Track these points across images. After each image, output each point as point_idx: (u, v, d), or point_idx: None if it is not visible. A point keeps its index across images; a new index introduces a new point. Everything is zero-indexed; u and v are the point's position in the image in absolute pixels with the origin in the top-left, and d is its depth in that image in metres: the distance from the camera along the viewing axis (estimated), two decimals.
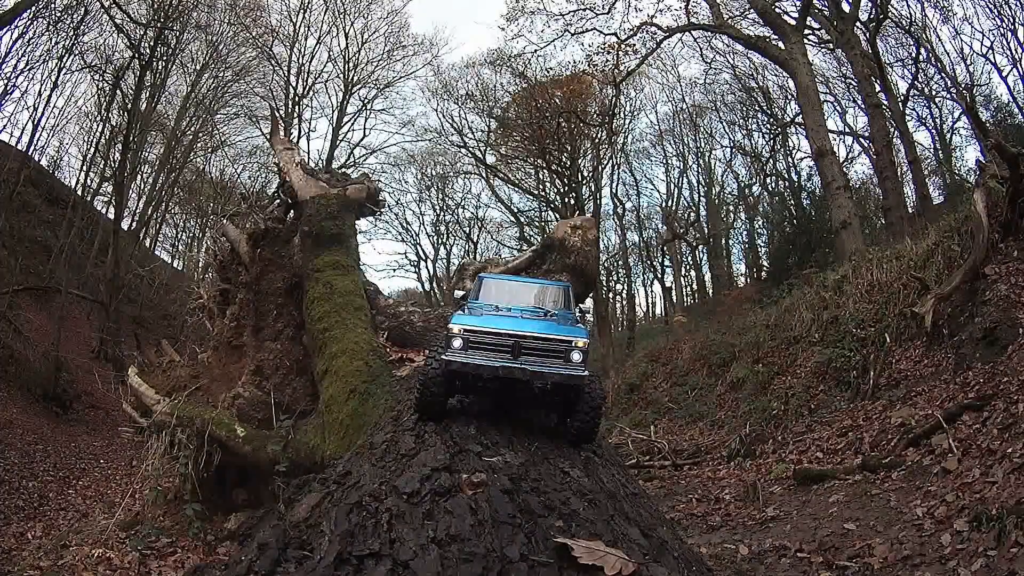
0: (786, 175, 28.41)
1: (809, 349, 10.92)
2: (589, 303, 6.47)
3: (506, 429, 4.11)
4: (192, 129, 26.38)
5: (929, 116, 24.60)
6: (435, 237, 34.46)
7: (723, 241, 33.51)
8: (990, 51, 21.38)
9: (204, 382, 7.93)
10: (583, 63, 22.31)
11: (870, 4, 17.64)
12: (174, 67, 24.11)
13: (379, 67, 30.12)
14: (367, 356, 6.09)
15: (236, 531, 6.10)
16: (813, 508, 6.23)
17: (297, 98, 29.13)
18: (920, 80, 21.87)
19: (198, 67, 25.61)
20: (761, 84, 26.55)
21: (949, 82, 21.92)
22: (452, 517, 2.78)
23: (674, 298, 32.81)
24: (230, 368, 7.79)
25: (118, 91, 20.28)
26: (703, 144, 32.48)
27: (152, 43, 19.48)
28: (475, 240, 33.53)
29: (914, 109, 23.24)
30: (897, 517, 5.21)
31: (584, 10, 20.68)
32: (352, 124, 30.79)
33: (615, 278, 33.23)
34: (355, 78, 29.86)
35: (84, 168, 23.90)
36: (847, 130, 26.60)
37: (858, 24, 17.70)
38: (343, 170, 14.72)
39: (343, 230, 7.74)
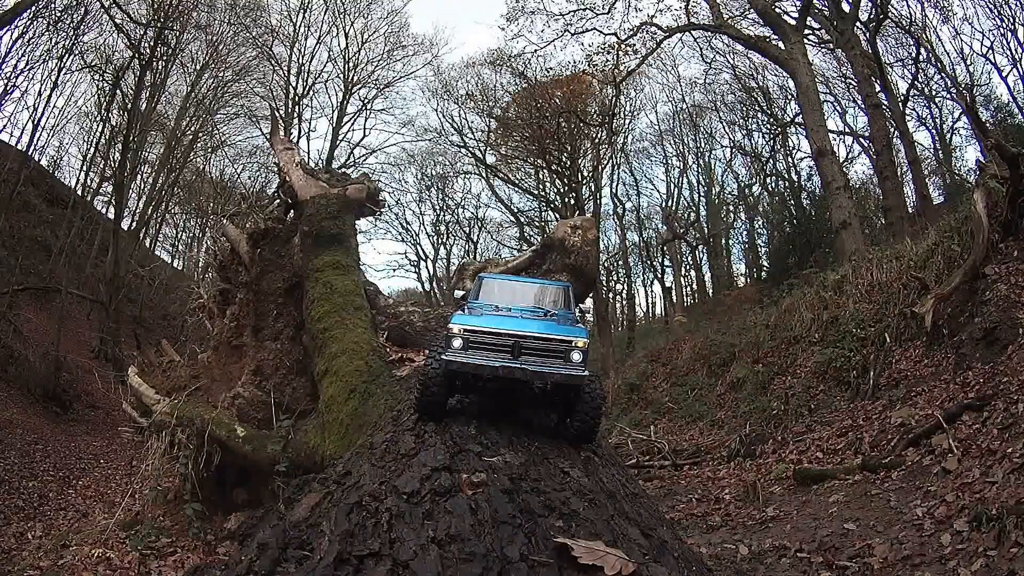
0: (786, 175, 28.43)
1: (809, 349, 10.92)
2: (589, 303, 6.46)
3: (506, 429, 4.10)
4: (192, 129, 26.38)
5: (929, 116, 24.65)
6: (435, 237, 34.54)
7: (723, 241, 33.56)
8: (990, 51, 21.42)
9: (204, 382, 7.92)
10: (583, 63, 22.31)
11: (870, 4, 17.63)
12: (174, 67, 24.12)
13: (379, 67, 30.18)
14: (367, 356, 6.08)
15: (236, 531, 6.10)
16: (813, 508, 6.23)
17: (297, 98, 29.14)
18: (920, 80, 21.89)
19: (198, 67, 25.61)
20: (761, 84, 26.59)
21: (949, 82, 21.92)
22: (452, 517, 2.78)
23: (674, 298, 32.79)
24: (230, 368, 7.78)
25: (118, 91, 20.27)
26: (703, 144, 32.56)
27: (152, 43, 19.47)
28: (475, 240, 33.60)
29: (914, 109, 23.27)
30: (897, 517, 5.21)
31: (584, 10, 20.69)
32: (352, 124, 30.84)
33: (615, 278, 33.31)
34: (355, 78, 29.90)
35: (84, 168, 23.94)
36: (847, 130, 26.63)
37: (858, 24, 17.69)
38: (343, 170, 14.73)
39: (343, 230, 7.74)
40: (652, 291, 37.77)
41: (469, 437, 3.83)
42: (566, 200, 26.58)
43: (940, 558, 4.30)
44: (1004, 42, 20.54)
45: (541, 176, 28.84)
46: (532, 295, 5.16)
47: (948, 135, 25.07)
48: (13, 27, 16.84)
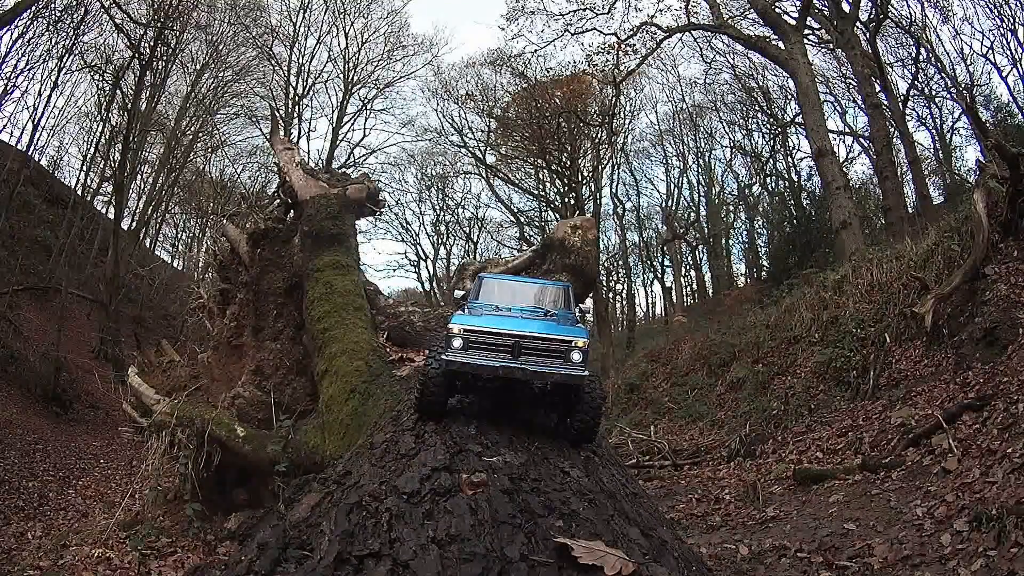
0: (786, 175, 28.46)
1: (809, 349, 10.92)
2: (589, 303, 6.46)
3: (506, 429, 4.10)
4: (192, 129, 26.40)
5: (929, 116, 24.65)
6: (435, 237, 34.57)
7: (723, 241, 33.55)
8: (990, 51, 21.42)
9: (204, 382, 7.93)
10: (583, 63, 22.36)
11: (870, 4, 17.64)
12: (174, 67, 24.14)
13: (379, 67, 30.22)
14: (367, 356, 6.08)
15: (236, 531, 6.09)
16: (813, 508, 6.23)
17: (297, 98, 29.15)
18: (920, 80, 21.89)
19: (198, 67, 25.63)
20: (761, 84, 26.61)
21: (949, 82, 21.93)
22: (452, 517, 2.78)
23: (674, 298, 32.83)
24: (230, 368, 7.78)
25: (118, 91, 20.28)
26: (703, 144, 32.59)
27: (152, 43, 19.48)
28: (475, 240, 33.61)
29: (914, 109, 23.27)
30: (897, 517, 5.21)
31: (584, 10, 20.72)
32: (352, 124, 30.87)
33: (615, 278, 33.30)
34: (355, 78, 29.93)
35: (84, 168, 23.97)
36: (847, 130, 26.64)
37: (858, 24, 17.70)
38: (343, 170, 14.72)
39: (343, 230, 7.74)
40: (652, 291, 37.86)
41: (469, 437, 3.82)
42: (566, 200, 26.58)
43: (940, 558, 4.30)
44: (1004, 42, 20.57)
45: (541, 176, 28.86)
46: (532, 295, 5.16)
47: (948, 135, 25.11)
48: (13, 27, 16.87)
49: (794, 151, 27.85)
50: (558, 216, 25.76)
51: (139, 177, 25.03)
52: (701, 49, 23.11)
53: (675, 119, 31.53)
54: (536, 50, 22.42)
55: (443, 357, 4.03)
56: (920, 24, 20.35)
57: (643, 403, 14.82)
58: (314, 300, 6.90)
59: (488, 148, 29.18)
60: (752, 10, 18.92)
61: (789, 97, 24.93)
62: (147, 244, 28.61)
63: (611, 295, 33.31)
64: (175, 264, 31.27)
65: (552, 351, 4.11)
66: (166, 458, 6.38)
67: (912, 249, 10.38)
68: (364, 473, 3.53)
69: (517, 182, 29.72)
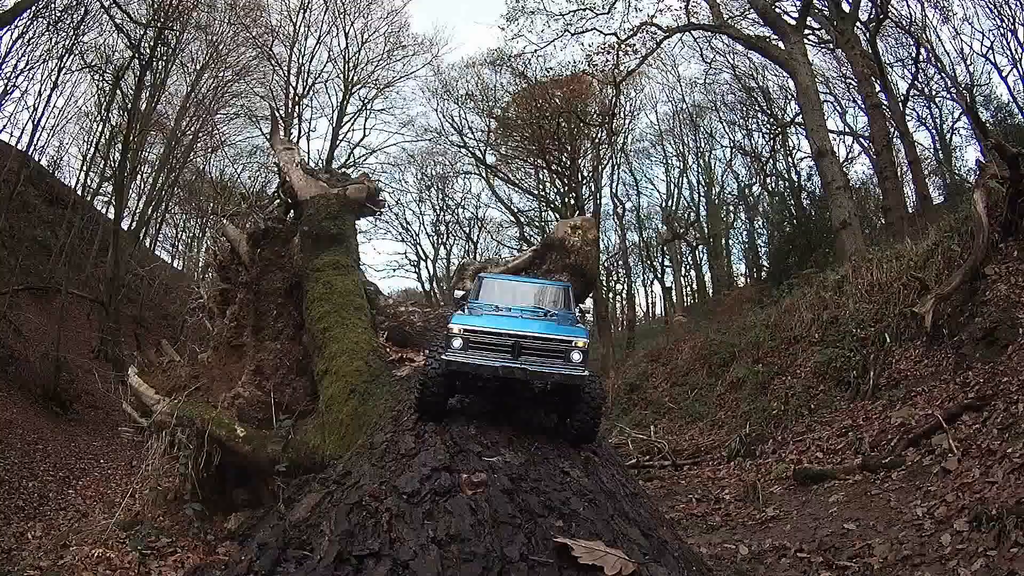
0: (786, 175, 28.41)
1: (809, 349, 10.92)
2: (589, 303, 6.48)
3: (506, 429, 4.11)
4: (192, 129, 26.37)
5: (929, 116, 24.60)
6: (435, 237, 34.49)
7: (723, 241, 33.48)
8: (990, 51, 21.37)
9: (204, 382, 7.91)
10: (583, 63, 22.30)
11: (870, 4, 17.64)
12: (174, 67, 24.11)
13: (379, 67, 30.17)
14: (367, 356, 6.09)
15: (236, 531, 6.11)
16: (813, 508, 6.23)
17: (297, 98, 29.12)
18: (920, 80, 21.85)
19: (198, 67, 25.61)
20: (761, 84, 26.58)
21: (949, 82, 21.90)
22: (452, 517, 2.78)
23: (674, 298, 32.80)
24: (230, 368, 7.78)
25: (118, 91, 20.27)
26: (703, 144, 32.50)
27: (152, 43, 19.47)
28: (475, 240, 33.54)
29: (914, 109, 23.23)
30: (897, 517, 5.21)
31: (584, 10, 20.68)
32: (352, 124, 30.82)
33: (615, 278, 33.23)
34: (355, 78, 29.88)
35: (84, 168, 23.92)
36: (847, 130, 26.61)
37: (858, 24, 17.70)
38: (343, 170, 14.72)
39: (343, 230, 7.75)
40: (652, 291, 37.81)
41: (469, 437, 3.83)
42: (566, 200, 26.57)
43: (940, 558, 4.30)
44: (1004, 42, 20.52)
45: (541, 176, 28.83)
46: (532, 295, 5.17)
47: (948, 135, 25.06)
48: (13, 27, 16.83)
49: (794, 151, 27.83)
50: (558, 216, 25.74)
51: (139, 177, 25.03)
52: (701, 49, 23.12)
53: (675, 119, 31.50)
54: (536, 50, 22.40)
55: (443, 357, 4.04)
56: (920, 24, 20.33)
57: (643, 403, 14.82)
58: (314, 300, 6.91)
59: (488, 148, 29.18)
60: (752, 10, 18.90)
61: (789, 97, 24.92)
62: (147, 244, 28.60)
63: (611, 295, 33.29)
64: (175, 264, 31.30)
65: (552, 351, 4.12)
66: (166, 458, 6.39)
67: (912, 249, 10.37)
68: (364, 473, 3.53)
69: (517, 182, 29.71)
